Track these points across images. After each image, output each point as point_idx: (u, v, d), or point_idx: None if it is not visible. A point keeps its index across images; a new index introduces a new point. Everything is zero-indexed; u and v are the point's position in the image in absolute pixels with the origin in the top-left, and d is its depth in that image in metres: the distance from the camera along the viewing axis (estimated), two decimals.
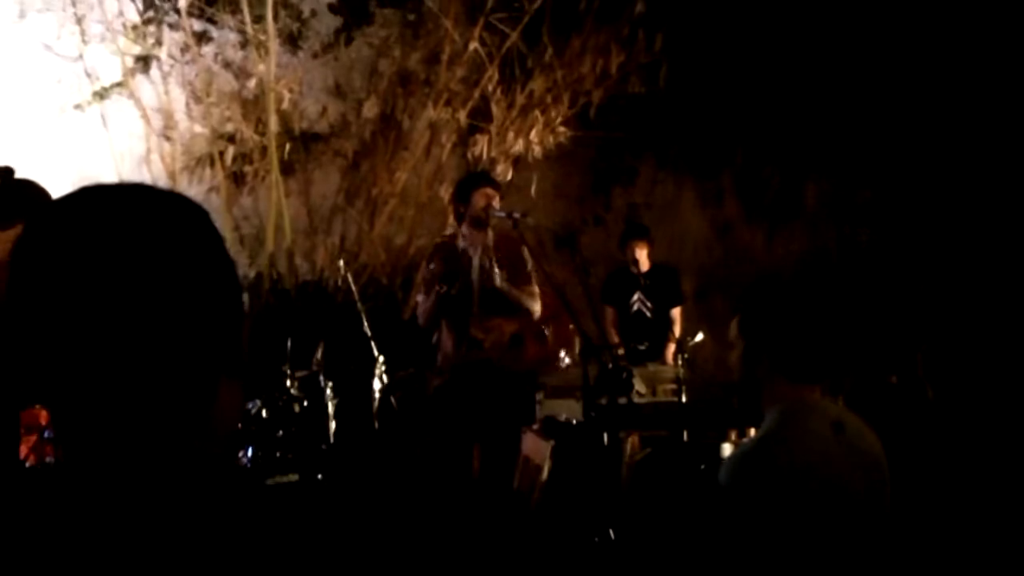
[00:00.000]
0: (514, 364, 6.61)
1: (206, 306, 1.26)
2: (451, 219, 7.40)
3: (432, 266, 6.57)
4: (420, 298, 6.75)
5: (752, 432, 5.89)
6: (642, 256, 8.74)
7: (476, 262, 6.60)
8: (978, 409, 7.67)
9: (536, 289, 6.66)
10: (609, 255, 9.67)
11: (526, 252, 6.57)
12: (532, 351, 6.68)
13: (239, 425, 5.47)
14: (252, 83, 8.80)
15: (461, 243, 6.65)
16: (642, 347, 8.05)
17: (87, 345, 1.18)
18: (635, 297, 8.73)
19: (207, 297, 1.26)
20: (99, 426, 1.20)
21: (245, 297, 8.57)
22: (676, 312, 8.81)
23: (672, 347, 8.44)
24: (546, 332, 6.79)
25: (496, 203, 6.59)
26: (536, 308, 6.65)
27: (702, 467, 5.91)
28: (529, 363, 6.72)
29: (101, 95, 8.75)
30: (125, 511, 1.16)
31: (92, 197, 1.28)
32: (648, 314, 8.72)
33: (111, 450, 1.20)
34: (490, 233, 6.67)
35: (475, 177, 7.15)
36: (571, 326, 6.54)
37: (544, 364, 6.93)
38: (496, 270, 6.59)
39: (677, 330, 8.61)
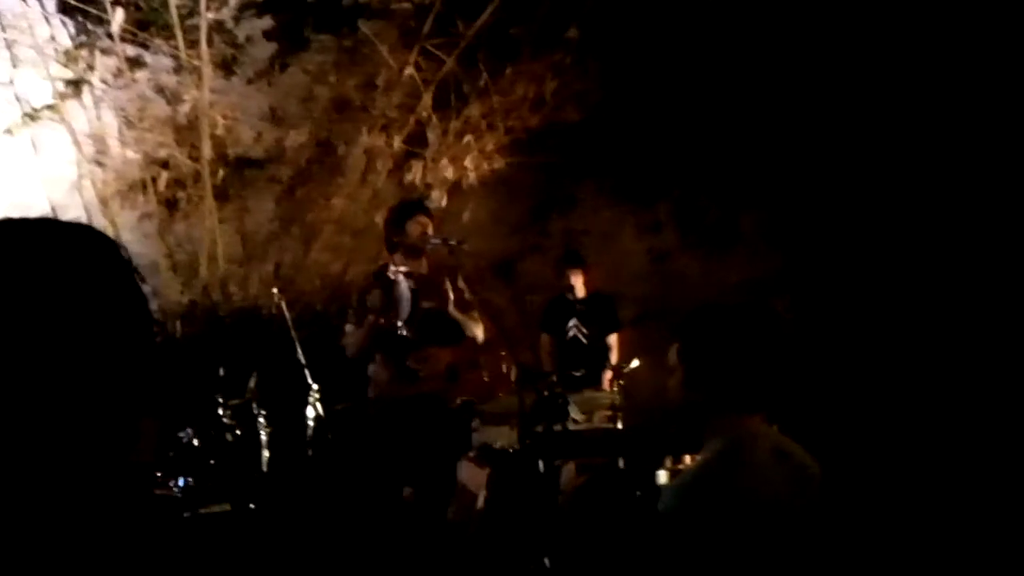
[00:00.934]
0: (450, 395, 6.59)
1: (116, 346, 1.24)
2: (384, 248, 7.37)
3: (369, 297, 6.53)
4: (348, 328, 6.70)
5: (688, 459, 5.91)
6: (578, 283, 8.77)
7: (409, 292, 6.57)
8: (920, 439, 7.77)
9: (476, 315, 6.65)
10: (547, 283, 9.68)
11: (461, 280, 6.57)
12: (468, 382, 6.67)
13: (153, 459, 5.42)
14: (186, 109, 8.72)
15: (392, 272, 6.62)
16: (578, 374, 8.06)
17: None
18: (571, 323, 8.75)
19: (117, 337, 1.25)
20: (8, 464, 1.17)
21: (177, 325, 8.50)
22: (613, 339, 8.85)
23: (609, 373, 8.46)
24: (481, 361, 6.78)
25: (431, 230, 6.58)
26: (479, 333, 6.65)
27: (639, 494, 5.91)
28: (465, 394, 6.70)
29: (32, 117, 8.63)
30: (38, 548, 1.13)
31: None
32: (584, 340, 8.74)
33: (21, 488, 1.17)
34: (424, 261, 6.65)
35: (409, 205, 7.14)
36: (507, 353, 6.54)
37: (480, 394, 6.91)
38: (451, 296, 6.56)
39: (614, 356, 8.64)
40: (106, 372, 1.22)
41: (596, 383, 8.42)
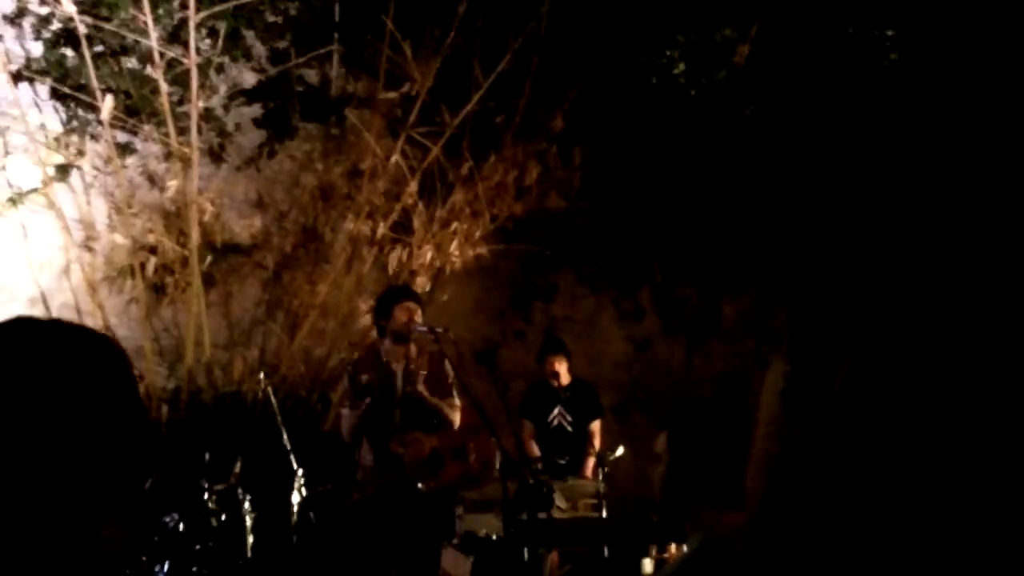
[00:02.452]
0: (432, 482, 6.58)
1: (103, 452, 1.27)
2: (373, 332, 7.41)
3: (364, 378, 6.56)
4: (344, 411, 6.71)
5: (673, 548, 5.93)
6: (562, 370, 8.78)
7: (399, 376, 6.61)
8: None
9: (457, 402, 6.67)
10: (529, 370, 9.70)
11: (448, 366, 6.60)
12: (451, 469, 6.66)
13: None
14: (173, 195, 8.79)
15: (383, 356, 6.66)
16: (562, 461, 8.08)
17: None
18: (555, 411, 8.75)
19: (106, 445, 1.28)
20: None
21: (162, 409, 8.49)
22: (595, 426, 8.84)
23: (592, 461, 8.46)
24: (468, 448, 6.78)
25: (418, 317, 6.62)
26: (455, 419, 6.66)
27: None
28: (448, 481, 6.69)
29: (14, 201, 8.68)
30: None
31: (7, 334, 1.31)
32: (569, 428, 8.74)
33: None
34: (412, 347, 6.69)
35: (396, 292, 7.18)
36: (493, 440, 6.55)
37: (465, 481, 6.89)
38: (421, 373, 6.58)
39: (597, 443, 8.64)
40: (79, 473, 1.26)
41: (579, 470, 8.43)
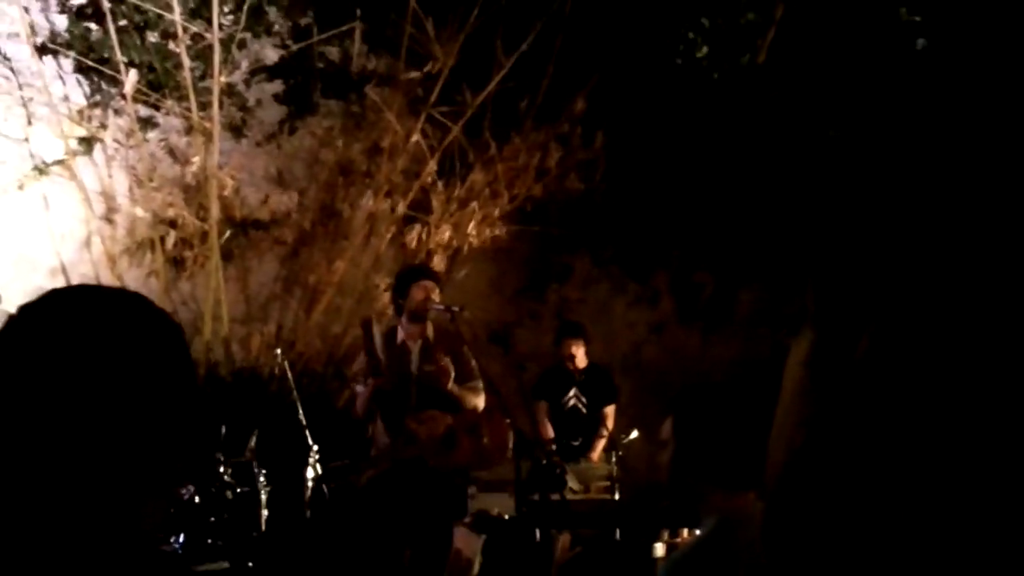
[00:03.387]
0: (445, 462, 6.58)
1: (154, 430, 1.29)
2: (390, 310, 7.42)
3: (381, 356, 6.55)
4: (359, 388, 6.70)
5: (685, 533, 5.96)
6: (579, 353, 8.76)
7: (415, 355, 6.62)
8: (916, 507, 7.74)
9: (480, 384, 6.65)
10: (542, 352, 9.70)
11: (466, 347, 6.59)
12: (465, 448, 6.65)
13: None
14: (194, 169, 8.82)
15: (400, 335, 6.67)
16: (575, 443, 8.09)
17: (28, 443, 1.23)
18: (571, 393, 8.73)
19: (159, 422, 1.30)
20: (24, 518, 1.24)
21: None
22: (610, 410, 8.81)
23: (601, 443, 8.49)
24: (482, 428, 6.78)
25: (435, 296, 6.60)
26: (480, 403, 6.63)
27: (634, 566, 5.94)
28: (461, 460, 6.68)
29: (42, 171, 8.73)
30: None
31: (76, 306, 1.33)
32: (583, 410, 8.73)
33: (33, 542, 1.23)
34: (430, 327, 6.69)
35: (414, 270, 7.17)
36: (507, 421, 6.56)
37: (478, 461, 6.89)
38: (451, 371, 6.54)
39: (609, 426, 8.65)
40: (140, 447, 1.28)
41: (588, 452, 8.43)
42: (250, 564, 5.98)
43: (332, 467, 6.75)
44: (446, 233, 9.77)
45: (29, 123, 8.60)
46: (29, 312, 1.30)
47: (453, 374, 6.50)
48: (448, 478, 6.62)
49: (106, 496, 1.26)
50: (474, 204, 9.82)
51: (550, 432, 8.55)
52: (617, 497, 7.09)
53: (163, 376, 1.31)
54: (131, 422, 1.27)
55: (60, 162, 8.75)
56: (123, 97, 8.45)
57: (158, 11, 8.62)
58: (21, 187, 8.70)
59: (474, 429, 6.71)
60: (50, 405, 1.24)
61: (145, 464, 1.29)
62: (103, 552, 1.25)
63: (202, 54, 8.67)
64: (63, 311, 1.31)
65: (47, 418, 1.23)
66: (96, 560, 1.24)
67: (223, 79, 8.70)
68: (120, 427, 1.26)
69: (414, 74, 9.50)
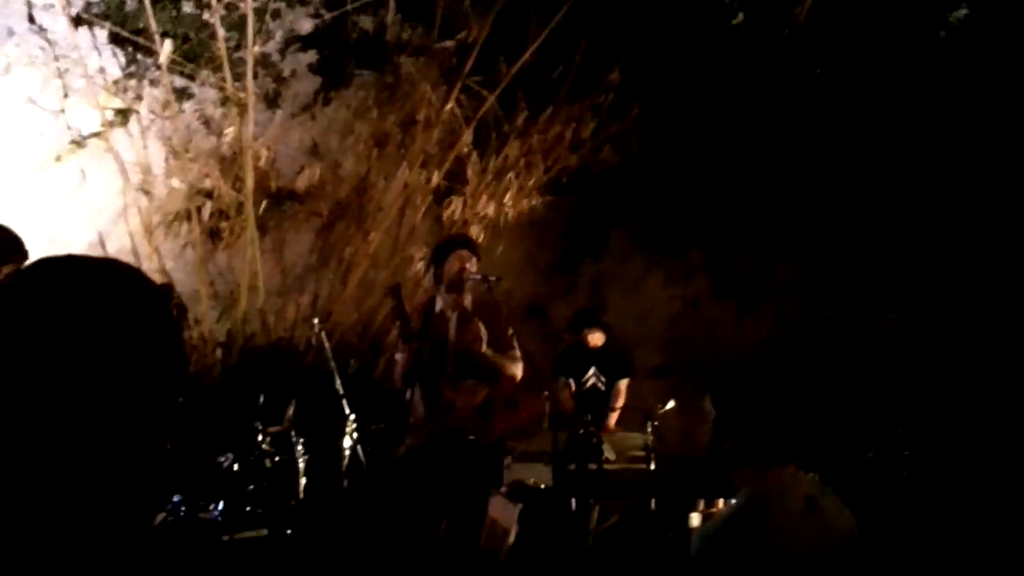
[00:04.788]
0: (481, 433, 6.58)
1: (131, 411, 1.27)
2: (426, 281, 7.41)
3: (412, 325, 6.56)
4: (397, 356, 6.71)
5: (720, 504, 5.95)
6: (596, 341, 8.75)
7: (452, 324, 6.61)
8: (953, 488, 7.71)
9: (518, 353, 6.63)
10: None
11: (504, 317, 6.58)
12: (501, 420, 6.65)
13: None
14: (230, 140, 8.83)
15: (439, 305, 6.66)
16: (587, 418, 8.06)
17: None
18: (590, 373, 8.73)
19: (136, 403, 1.27)
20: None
21: (217, 352, 8.58)
22: (623, 384, 8.78)
23: (615, 415, 8.51)
24: (519, 401, 6.77)
25: (470, 265, 6.59)
26: (518, 372, 6.61)
27: (669, 536, 5.95)
28: (497, 432, 6.68)
29: (79, 144, 8.77)
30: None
31: (60, 275, 1.31)
32: (602, 388, 8.73)
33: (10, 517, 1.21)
34: (468, 297, 6.68)
35: (452, 240, 7.16)
36: (546, 393, 6.54)
37: (513, 432, 6.89)
38: (483, 335, 6.56)
39: (621, 401, 8.65)
40: (110, 415, 1.25)
41: (601, 425, 8.38)
42: (288, 531, 6.01)
43: (368, 431, 6.76)
44: (482, 205, 9.76)
45: (65, 95, 8.62)
46: (17, 282, 1.28)
47: (485, 338, 6.50)
48: (484, 449, 6.62)
49: (86, 472, 1.24)
50: (510, 175, 9.82)
51: (573, 407, 8.52)
52: (652, 467, 7.08)
53: (147, 349, 1.29)
54: (112, 395, 1.25)
55: (97, 134, 8.78)
56: (158, 68, 8.46)
57: None
58: (59, 159, 8.73)
59: (511, 401, 6.71)
60: (27, 376, 1.22)
61: (126, 439, 1.26)
62: (81, 530, 1.23)
63: (236, 24, 8.66)
64: (45, 282, 1.29)
65: (24, 389, 1.21)
66: (74, 538, 1.22)
67: (257, 49, 8.69)
68: (100, 400, 1.24)
69: (448, 44, 9.48)
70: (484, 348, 6.51)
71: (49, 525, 1.21)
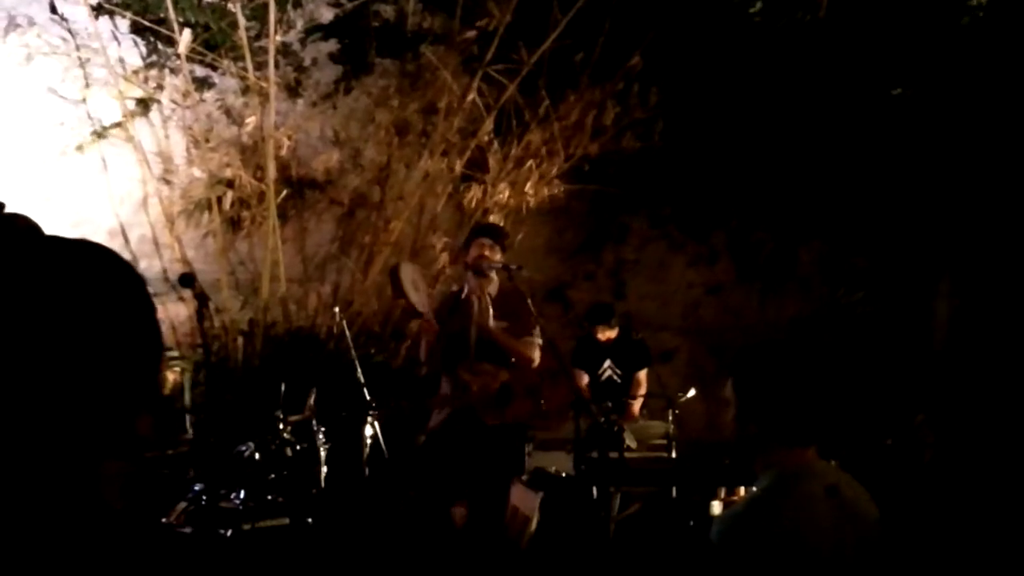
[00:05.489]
0: (496, 417, 6.60)
1: (92, 374, 1.24)
2: (447, 269, 7.43)
3: (439, 310, 6.62)
4: (422, 353, 6.80)
5: (742, 491, 5.93)
6: (611, 335, 8.72)
7: (476, 309, 6.65)
8: (974, 471, 7.67)
9: (538, 340, 6.66)
10: None
11: (530, 304, 6.61)
12: (520, 406, 6.67)
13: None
14: (251, 129, 8.84)
15: (465, 290, 6.72)
16: (608, 406, 8.04)
17: None
18: (605, 365, 8.71)
19: (98, 366, 1.24)
20: None
21: (238, 341, 8.60)
22: (642, 374, 8.75)
23: (637, 404, 8.48)
24: (542, 389, 6.78)
25: (489, 252, 6.63)
26: (535, 356, 6.65)
27: (691, 524, 5.93)
28: (514, 417, 6.69)
29: (100, 135, 8.79)
30: None
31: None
32: (618, 380, 8.69)
33: None
34: (495, 281, 6.72)
35: (476, 228, 7.26)
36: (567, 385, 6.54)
37: (533, 419, 6.89)
38: (491, 311, 6.61)
39: (642, 391, 8.62)
40: (76, 392, 1.22)
41: (624, 414, 8.36)
42: (310, 520, 6.01)
43: (391, 408, 6.76)
44: (503, 192, 9.75)
45: (86, 85, 8.64)
46: None
47: (492, 312, 6.55)
48: (502, 433, 6.63)
49: (53, 451, 1.22)
50: (531, 163, 9.80)
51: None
52: (674, 455, 7.07)
53: (116, 324, 1.26)
54: (77, 371, 1.22)
55: (118, 124, 8.80)
56: (179, 57, 8.47)
57: None
58: (80, 149, 8.75)
59: (534, 389, 6.73)
60: None
61: (94, 419, 1.24)
62: (46, 514, 1.21)
63: (257, 13, 8.66)
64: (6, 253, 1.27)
65: None
66: (38, 522, 1.20)
67: (278, 38, 8.69)
68: (66, 376, 1.21)
69: (470, 32, 9.46)
70: (491, 322, 6.56)
71: (19, 505, 1.19)
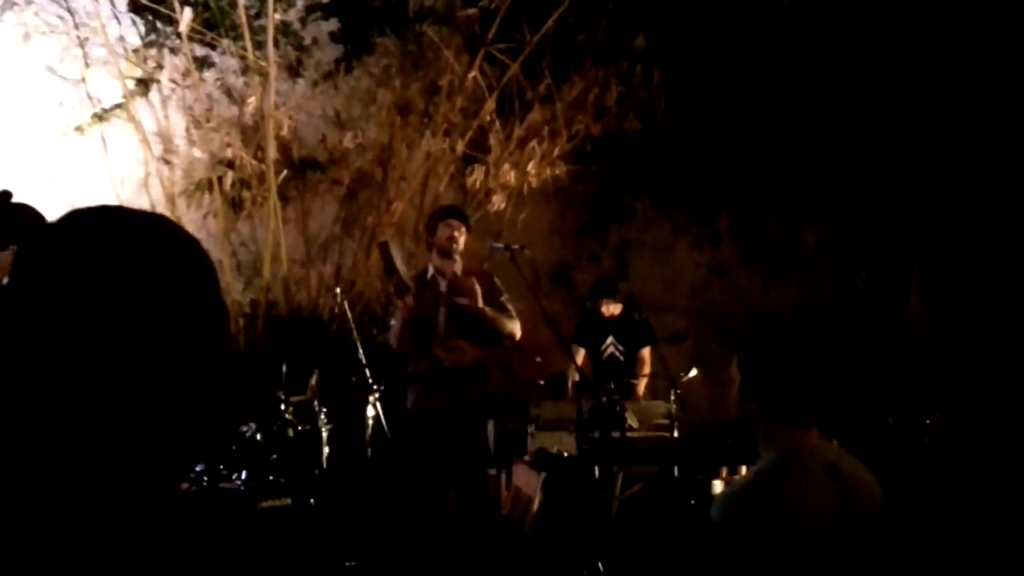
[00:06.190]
0: (474, 390, 6.58)
1: (174, 358, 1.24)
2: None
3: (406, 294, 6.60)
4: (393, 322, 6.80)
5: (744, 471, 5.91)
6: (615, 311, 8.69)
7: (444, 289, 6.64)
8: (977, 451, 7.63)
9: (513, 314, 6.67)
10: None
11: (497, 283, 6.63)
12: (493, 380, 6.66)
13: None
14: (251, 109, 8.81)
15: (431, 271, 6.70)
16: (610, 386, 8.02)
17: (50, 362, 1.19)
18: (608, 342, 8.68)
19: (178, 350, 1.24)
20: (29, 448, 1.20)
21: (240, 322, 8.57)
22: (646, 352, 8.73)
23: (643, 383, 8.46)
24: (514, 364, 6.79)
25: (458, 234, 6.63)
26: (515, 330, 6.65)
27: (693, 503, 5.91)
28: (489, 390, 6.68)
29: (101, 117, 8.77)
30: (43, 533, 1.15)
31: (89, 223, 1.27)
32: (621, 358, 8.66)
33: (35, 473, 1.19)
34: (459, 262, 6.70)
35: (443, 209, 7.21)
36: (538, 359, 6.53)
37: (507, 394, 6.90)
38: (478, 293, 6.60)
39: (647, 369, 8.60)
40: (152, 377, 1.22)
41: (630, 393, 8.34)
42: (312, 501, 6.00)
43: (372, 388, 6.72)
44: (506, 173, 9.71)
45: (86, 64, 8.61)
46: (48, 231, 1.25)
47: (481, 297, 6.54)
48: (475, 403, 6.58)
49: (114, 429, 1.21)
50: (533, 143, 9.75)
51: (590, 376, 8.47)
52: (676, 435, 7.05)
53: (184, 302, 1.26)
54: (146, 348, 1.21)
55: (119, 106, 8.77)
56: (179, 36, 8.43)
57: None
58: (80, 130, 8.73)
59: (505, 366, 6.74)
60: (63, 324, 1.19)
61: (160, 394, 1.23)
62: (102, 489, 1.20)
63: None
64: (83, 230, 1.26)
65: (58, 339, 1.18)
66: (92, 497, 1.19)
67: (278, 17, 8.67)
68: (135, 354, 1.20)
69: (471, 11, 9.40)
70: (479, 302, 6.55)
71: (86, 479, 1.19)
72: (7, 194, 5.19)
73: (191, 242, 1.32)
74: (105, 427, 1.21)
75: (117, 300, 1.20)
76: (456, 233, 6.63)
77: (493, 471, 7.29)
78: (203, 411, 1.28)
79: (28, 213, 5.18)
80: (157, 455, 1.24)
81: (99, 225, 1.27)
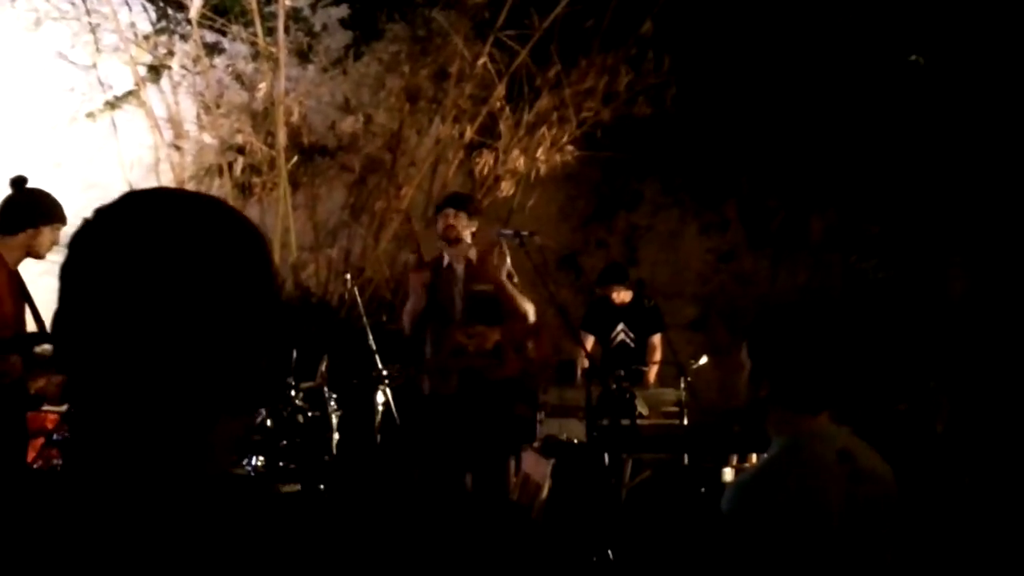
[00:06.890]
0: (492, 374, 6.60)
1: (229, 337, 1.24)
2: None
3: (419, 277, 6.65)
4: (408, 306, 6.83)
5: (754, 458, 5.92)
6: (625, 297, 8.69)
7: (460, 275, 6.66)
8: (985, 439, 7.65)
9: (526, 299, 6.71)
10: None
11: (507, 269, 6.66)
12: (512, 363, 6.68)
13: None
14: (261, 95, 8.82)
15: (447, 259, 6.73)
16: (620, 373, 8.04)
17: (109, 350, 1.19)
18: (618, 328, 8.67)
19: (234, 329, 1.24)
20: (104, 432, 1.21)
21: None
22: (656, 339, 8.72)
23: (654, 370, 8.47)
24: (527, 345, 6.81)
25: (455, 221, 6.64)
26: (531, 311, 6.67)
27: (702, 491, 5.93)
28: (508, 374, 6.70)
29: (113, 105, 8.79)
30: (123, 515, 1.16)
31: (150, 204, 1.28)
32: (631, 344, 8.66)
33: (111, 456, 1.20)
34: (473, 249, 6.72)
35: (444, 198, 7.24)
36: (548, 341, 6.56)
37: (523, 375, 6.92)
38: (503, 270, 6.63)
39: (658, 356, 8.60)
40: (210, 357, 1.22)
41: (641, 380, 8.33)
42: (321, 487, 6.03)
43: (384, 373, 6.74)
44: (515, 159, 9.71)
45: (97, 50, 8.62)
46: (105, 214, 1.27)
47: (497, 265, 6.58)
48: (496, 387, 6.61)
49: (177, 409, 1.22)
50: (543, 129, 9.75)
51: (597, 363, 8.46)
52: (686, 422, 7.06)
53: (242, 282, 1.25)
54: (206, 330, 1.21)
55: (131, 93, 8.79)
56: (189, 23, 8.44)
57: None
58: (92, 116, 8.74)
59: (520, 346, 6.76)
60: (122, 307, 1.20)
61: (219, 375, 1.24)
62: (167, 468, 1.21)
63: None
64: (141, 212, 1.26)
65: (118, 321, 1.20)
66: (158, 477, 1.20)
67: (288, 3, 8.67)
68: (195, 335, 1.21)
69: None
70: (503, 277, 6.58)
71: (133, 458, 1.20)
72: (23, 179, 5.22)
73: (247, 221, 1.33)
74: (178, 407, 1.22)
75: (184, 277, 1.21)
76: (452, 221, 6.66)
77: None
78: (261, 381, 1.30)
79: (43, 199, 5.21)
80: (212, 439, 1.25)
81: (162, 206, 1.28)
